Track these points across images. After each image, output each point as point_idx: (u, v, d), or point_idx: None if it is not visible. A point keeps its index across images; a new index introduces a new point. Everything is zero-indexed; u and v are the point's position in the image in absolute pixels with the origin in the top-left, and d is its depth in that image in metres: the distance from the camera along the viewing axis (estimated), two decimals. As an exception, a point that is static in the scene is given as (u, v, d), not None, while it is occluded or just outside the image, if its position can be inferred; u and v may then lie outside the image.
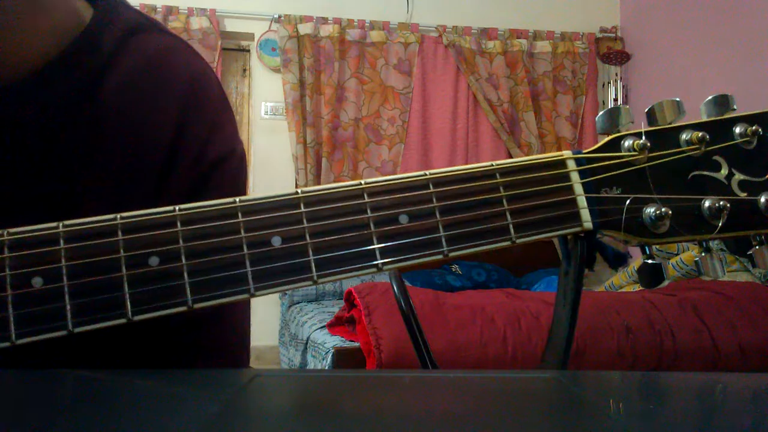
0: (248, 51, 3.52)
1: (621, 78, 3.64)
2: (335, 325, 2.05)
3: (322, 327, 2.16)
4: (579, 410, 0.30)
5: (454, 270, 3.18)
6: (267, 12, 3.38)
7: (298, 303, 2.91)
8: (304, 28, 3.36)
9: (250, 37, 3.43)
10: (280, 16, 3.37)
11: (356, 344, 1.77)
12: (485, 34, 3.61)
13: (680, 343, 1.70)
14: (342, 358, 1.76)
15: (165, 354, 0.49)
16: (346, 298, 1.91)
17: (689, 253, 2.43)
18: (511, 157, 3.21)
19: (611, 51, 3.58)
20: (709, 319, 1.78)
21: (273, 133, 3.40)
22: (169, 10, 3.25)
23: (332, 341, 1.93)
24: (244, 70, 3.53)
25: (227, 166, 0.54)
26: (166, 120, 0.51)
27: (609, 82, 3.68)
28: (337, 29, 3.40)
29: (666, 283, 2.41)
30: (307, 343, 2.20)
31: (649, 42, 3.48)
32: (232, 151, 0.55)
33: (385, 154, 3.45)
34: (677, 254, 2.49)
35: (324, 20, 3.43)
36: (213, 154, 0.52)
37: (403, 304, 0.93)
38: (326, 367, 1.79)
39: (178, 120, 0.51)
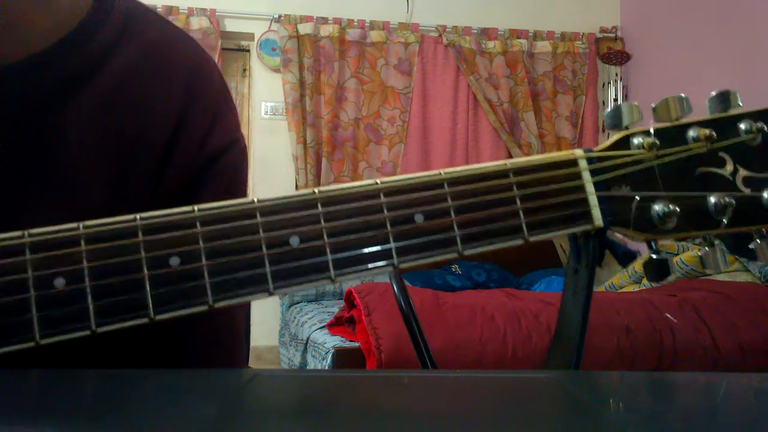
0: (248, 51, 3.52)
1: (621, 78, 3.64)
2: (335, 325, 2.05)
3: (322, 327, 2.16)
4: (579, 410, 0.30)
5: (454, 270, 3.17)
6: (267, 12, 3.38)
7: (298, 303, 2.91)
8: (304, 28, 3.36)
9: (250, 37, 3.43)
10: (280, 16, 3.37)
11: (356, 344, 1.77)
12: (485, 34, 3.61)
13: (680, 343, 1.70)
14: (342, 358, 1.76)
15: (158, 350, 0.49)
16: (346, 298, 1.91)
17: (689, 253, 2.43)
18: (511, 157, 3.21)
19: (611, 51, 3.58)
20: (709, 319, 1.78)
21: (273, 133, 3.39)
22: (169, 10, 3.25)
23: (332, 341, 1.93)
24: (244, 70, 3.53)
25: (228, 157, 0.54)
26: (167, 109, 0.51)
27: (609, 82, 3.68)
28: (337, 29, 3.40)
29: (670, 279, 2.41)
30: (307, 343, 2.20)
31: (649, 42, 3.48)
32: (234, 141, 0.55)
33: (385, 154, 3.45)
34: (677, 254, 2.49)
35: (324, 20, 3.43)
36: (214, 145, 0.53)
37: (403, 304, 0.93)
38: (326, 367, 1.79)
39: (180, 109, 0.51)
